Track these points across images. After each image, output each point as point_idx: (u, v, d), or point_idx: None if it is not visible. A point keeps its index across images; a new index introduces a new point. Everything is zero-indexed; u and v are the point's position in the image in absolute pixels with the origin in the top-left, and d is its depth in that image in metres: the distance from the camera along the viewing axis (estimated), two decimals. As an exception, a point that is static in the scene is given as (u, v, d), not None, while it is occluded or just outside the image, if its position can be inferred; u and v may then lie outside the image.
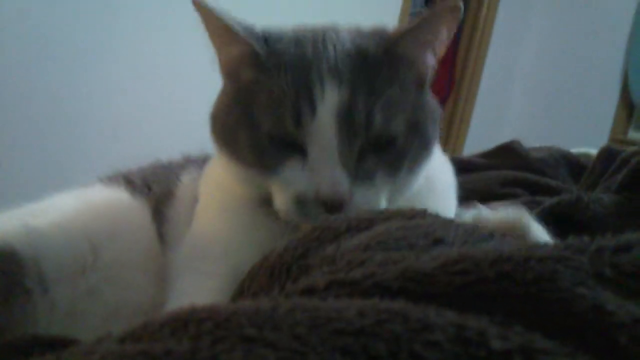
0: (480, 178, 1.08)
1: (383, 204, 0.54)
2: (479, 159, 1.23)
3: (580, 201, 0.59)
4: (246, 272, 0.44)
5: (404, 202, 0.56)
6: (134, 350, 0.23)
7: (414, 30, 0.54)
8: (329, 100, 0.51)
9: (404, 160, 0.54)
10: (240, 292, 0.41)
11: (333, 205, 0.50)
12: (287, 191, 0.52)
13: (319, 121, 0.50)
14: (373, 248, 0.33)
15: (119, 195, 0.65)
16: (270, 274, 0.37)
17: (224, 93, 0.59)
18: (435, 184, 0.61)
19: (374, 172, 0.53)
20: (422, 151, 0.56)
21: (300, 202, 0.51)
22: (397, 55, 0.55)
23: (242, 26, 0.54)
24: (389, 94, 0.52)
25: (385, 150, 0.53)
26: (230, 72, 0.57)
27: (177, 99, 2.16)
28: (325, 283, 0.29)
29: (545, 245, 0.30)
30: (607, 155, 0.93)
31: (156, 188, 0.67)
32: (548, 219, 0.65)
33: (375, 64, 0.53)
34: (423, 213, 0.44)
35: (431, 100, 0.59)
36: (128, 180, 0.68)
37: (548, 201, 0.68)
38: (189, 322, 0.25)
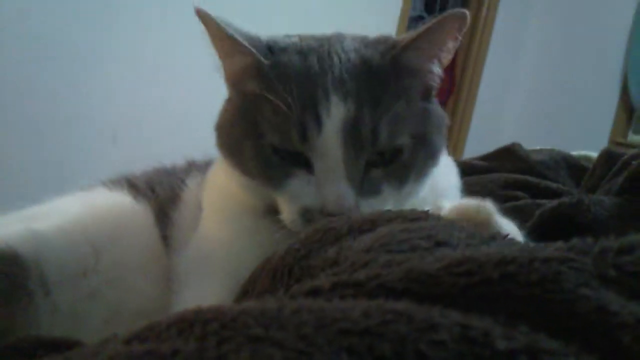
0: (481, 181, 1.08)
1: None
2: (479, 162, 1.23)
3: (581, 203, 0.59)
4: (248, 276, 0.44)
5: (408, 206, 0.56)
6: (140, 350, 0.23)
7: (420, 39, 0.54)
8: (335, 115, 0.50)
9: (410, 172, 0.54)
10: (243, 294, 0.41)
11: None
12: (293, 204, 0.52)
13: (325, 136, 0.50)
14: (376, 250, 0.33)
15: (122, 199, 0.66)
16: (272, 276, 0.37)
17: (229, 103, 0.59)
18: (438, 185, 0.61)
19: (380, 185, 0.53)
20: (428, 161, 0.56)
21: (306, 214, 0.51)
22: (402, 65, 0.54)
23: (245, 37, 0.54)
24: (394, 107, 0.52)
25: (391, 163, 0.53)
26: (235, 83, 0.58)
27: (177, 100, 2.16)
28: (330, 284, 0.29)
29: (549, 246, 0.30)
30: (608, 158, 0.93)
31: (160, 191, 0.68)
32: (549, 221, 0.65)
33: (380, 75, 0.53)
34: (425, 215, 0.44)
35: (437, 108, 0.59)
36: (131, 184, 0.68)
37: (549, 204, 0.68)
38: (195, 322, 0.25)
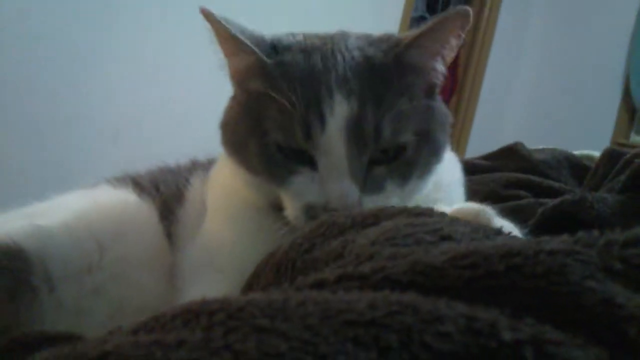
0: (483, 180, 1.08)
1: None
2: (481, 161, 1.23)
3: (585, 200, 0.59)
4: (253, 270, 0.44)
5: (412, 203, 0.56)
6: (147, 340, 0.23)
7: (423, 37, 0.54)
8: (338, 113, 0.51)
9: (413, 169, 0.54)
10: (248, 288, 0.41)
11: None
12: (297, 201, 0.53)
13: (329, 134, 0.51)
14: (381, 243, 0.33)
15: (126, 196, 0.66)
16: (276, 270, 0.37)
17: (234, 101, 0.60)
18: (442, 181, 0.61)
19: (384, 182, 0.53)
20: (431, 158, 0.56)
21: (310, 211, 0.52)
22: (406, 63, 0.55)
23: (249, 36, 0.54)
24: (398, 105, 0.52)
25: (394, 160, 0.53)
26: (239, 81, 0.58)
27: (177, 100, 2.16)
28: (335, 277, 0.29)
29: (555, 239, 0.30)
30: (610, 156, 0.93)
31: (165, 189, 0.68)
32: (551, 219, 0.65)
33: (384, 73, 0.53)
34: (430, 211, 0.44)
35: (441, 106, 0.59)
36: (135, 182, 0.69)
37: (552, 201, 0.68)
38: (201, 313, 0.25)
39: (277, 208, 0.55)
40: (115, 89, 2.08)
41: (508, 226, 0.52)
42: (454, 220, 0.39)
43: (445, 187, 0.62)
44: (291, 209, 0.53)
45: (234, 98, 0.60)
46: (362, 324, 0.24)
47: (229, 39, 0.54)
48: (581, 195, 0.61)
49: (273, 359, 0.22)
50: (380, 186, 0.53)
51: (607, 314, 0.26)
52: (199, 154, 0.77)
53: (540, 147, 1.30)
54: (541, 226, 0.64)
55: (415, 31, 0.55)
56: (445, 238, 0.35)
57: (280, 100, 0.52)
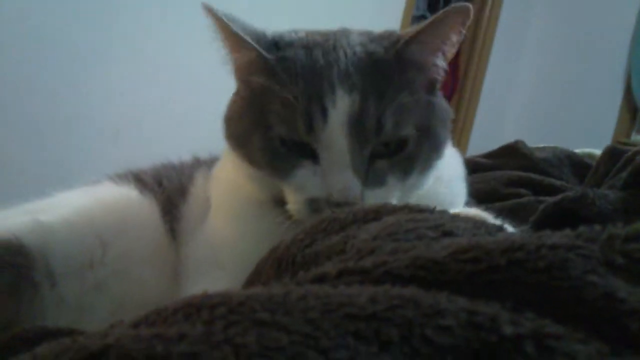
0: (485, 178, 1.08)
1: None
2: (482, 160, 1.23)
3: (586, 197, 0.59)
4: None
5: (414, 198, 0.56)
6: (148, 333, 0.23)
7: (423, 33, 0.55)
8: (340, 107, 0.51)
9: (414, 164, 0.55)
10: (249, 284, 0.41)
11: None
12: (300, 194, 0.53)
13: (331, 127, 0.51)
14: (383, 238, 0.33)
15: (128, 192, 0.66)
16: (277, 266, 0.37)
17: (237, 96, 0.60)
18: (444, 176, 0.62)
19: (385, 176, 0.54)
20: (432, 154, 0.57)
21: (313, 204, 0.52)
22: (407, 59, 0.55)
23: (250, 33, 0.55)
24: (399, 99, 0.53)
25: (396, 154, 0.54)
26: (242, 76, 0.58)
27: (177, 100, 2.17)
28: (336, 271, 0.29)
29: (557, 233, 0.30)
30: (612, 154, 0.93)
31: (167, 185, 0.68)
32: (553, 216, 0.65)
33: (385, 68, 0.54)
34: (432, 209, 0.44)
35: (442, 102, 0.60)
36: (137, 179, 0.69)
37: (553, 199, 0.68)
38: (202, 307, 0.25)
39: (279, 202, 0.56)
40: (115, 89, 2.08)
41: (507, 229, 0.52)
42: (455, 216, 0.39)
43: (446, 182, 0.63)
44: (294, 202, 0.54)
45: (237, 93, 0.60)
46: (363, 318, 0.24)
47: (231, 35, 0.55)
48: (582, 192, 0.61)
49: (274, 352, 0.22)
50: (381, 180, 0.53)
51: (609, 308, 0.26)
52: (200, 154, 0.78)
53: (542, 145, 1.30)
54: (542, 223, 0.64)
55: (416, 27, 0.55)
56: (447, 234, 0.35)
57: (282, 94, 0.52)
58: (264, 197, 0.58)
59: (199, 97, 2.10)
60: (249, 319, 0.24)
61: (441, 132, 0.58)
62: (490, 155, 1.25)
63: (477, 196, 0.70)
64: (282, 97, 0.52)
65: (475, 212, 0.55)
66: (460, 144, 3.11)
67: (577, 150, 1.25)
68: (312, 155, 0.53)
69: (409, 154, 0.54)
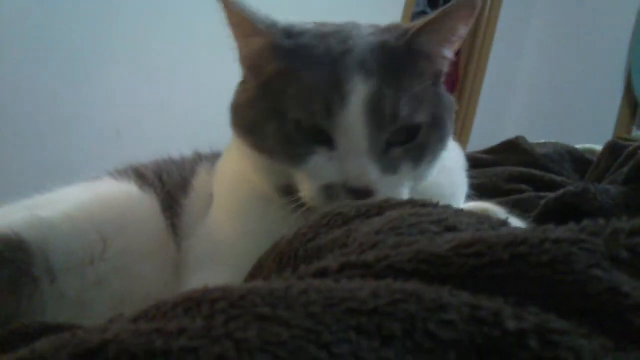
0: (486, 174, 1.08)
1: (406, 195, 0.55)
2: (483, 155, 1.23)
3: (587, 192, 0.59)
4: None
5: (421, 189, 0.57)
6: (148, 328, 0.23)
7: (433, 24, 0.56)
8: (359, 92, 0.52)
9: (425, 153, 0.56)
10: (251, 279, 0.41)
11: (361, 194, 0.51)
12: (315, 181, 0.53)
13: (349, 112, 0.51)
14: (386, 232, 0.33)
15: (128, 188, 0.66)
16: (279, 260, 0.37)
17: (246, 85, 0.60)
18: (446, 166, 0.62)
19: (399, 163, 0.54)
20: (440, 144, 0.58)
21: (328, 191, 0.52)
22: (416, 49, 0.56)
23: (265, 19, 0.55)
24: (413, 87, 0.54)
25: (408, 143, 0.55)
26: (252, 65, 0.58)
27: (178, 99, 2.16)
28: (338, 265, 0.29)
29: (560, 228, 0.29)
30: (613, 150, 0.93)
31: (168, 180, 0.68)
32: (554, 211, 0.65)
33: (398, 57, 0.55)
34: (435, 204, 0.44)
35: (446, 93, 0.61)
36: (138, 174, 0.69)
37: (554, 194, 0.68)
38: (202, 301, 0.25)
39: (286, 192, 0.55)
40: (115, 89, 2.08)
41: (518, 224, 0.53)
42: (459, 211, 0.39)
43: (449, 173, 0.63)
44: (308, 190, 0.53)
45: (244, 82, 0.60)
46: (365, 313, 0.24)
47: (243, 21, 0.55)
48: (584, 187, 0.60)
49: (275, 347, 0.22)
50: (395, 167, 0.54)
51: (613, 303, 0.26)
52: (201, 149, 0.77)
53: (542, 141, 1.29)
54: (544, 218, 0.64)
55: (425, 19, 0.56)
56: (451, 229, 0.35)
57: (300, 80, 0.53)
58: (270, 188, 0.58)
59: (199, 96, 2.10)
60: (250, 313, 0.24)
61: (448, 123, 0.59)
62: (491, 151, 1.25)
63: (479, 192, 0.70)
64: (299, 82, 0.53)
65: (488, 205, 0.56)
66: (461, 140, 3.10)
67: (578, 146, 1.25)
68: (328, 141, 0.53)
69: (420, 143, 0.55)
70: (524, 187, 1.02)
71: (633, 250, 0.27)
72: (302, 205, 0.54)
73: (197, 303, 0.25)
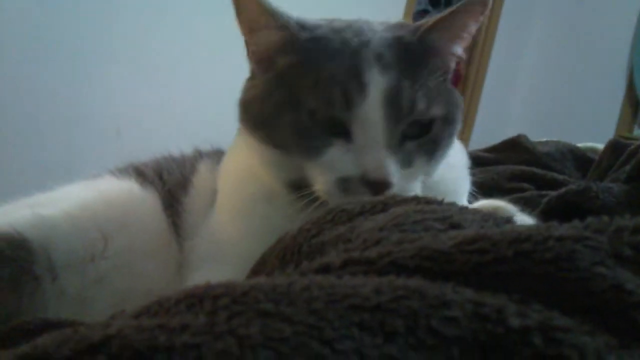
0: (487, 172, 1.08)
1: (418, 189, 0.55)
2: (485, 154, 1.23)
3: (589, 190, 0.59)
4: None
5: (428, 184, 0.57)
6: (151, 323, 0.23)
7: (445, 21, 0.56)
8: (378, 84, 0.52)
9: (437, 147, 0.56)
10: (253, 275, 0.41)
11: (379, 187, 0.51)
12: (330, 173, 0.53)
13: (368, 103, 0.52)
14: (389, 229, 0.33)
15: (129, 186, 0.65)
16: (282, 256, 0.37)
17: (255, 80, 0.59)
18: (449, 160, 0.62)
19: (413, 157, 0.54)
20: (450, 139, 0.58)
21: (344, 184, 0.52)
22: (428, 45, 0.56)
23: (282, 12, 0.55)
24: (427, 81, 0.54)
25: (422, 137, 0.55)
26: (264, 58, 0.58)
27: (178, 99, 2.16)
28: (340, 261, 0.29)
29: (564, 225, 0.29)
30: (614, 148, 0.93)
31: (168, 178, 0.68)
32: (556, 209, 0.64)
33: (412, 52, 0.55)
34: (440, 201, 0.44)
35: (455, 90, 0.61)
36: (138, 172, 0.68)
37: (556, 192, 0.67)
38: (204, 297, 0.25)
39: (296, 188, 0.55)
40: (115, 89, 2.08)
41: (528, 222, 0.53)
42: (464, 208, 0.39)
43: (452, 169, 0.63)
44: (323, 183, 0.53)
45: (253, 77, 0.60)
46: (367, 309, 0.24)
47: (260, 13, 0.54)
48: (586, 185, 0.60)
49: (277, 343, 0.22)
50: (410, 161, 0.54)
51: (617, 300, 0.26)
52: (201, 146, 0.77)
53: (544, 139, 1.29)
54: (546, 216, 0.64)
55: (437, 16, 0.57)
56: (455, 226, 0.34)
57: (318, 71, 0.53)
58: (280, 184, 0.57)
59: (199, 96, 2.10)
60: (253, 309, 0.24)
61: (458, 119, 0.59)
62: (492, 149, 1.25)
63: (480, 190, 0.70)
64: (317, 73, 0.53)
65: (500, 203, 0.56)
66: (463, 138, 3.08)
67: (579, 145, 1.25)
68: (344, 133, 0.53)
69: (433, 137, 0.55)
70: (525, 185, 1.02)
71: (637, 248, 0.27)
72: (314, 200, 0.53)
73: (199, 299, 0.25)
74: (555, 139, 1.30)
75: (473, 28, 0.58)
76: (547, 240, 0.27)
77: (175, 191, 0.66)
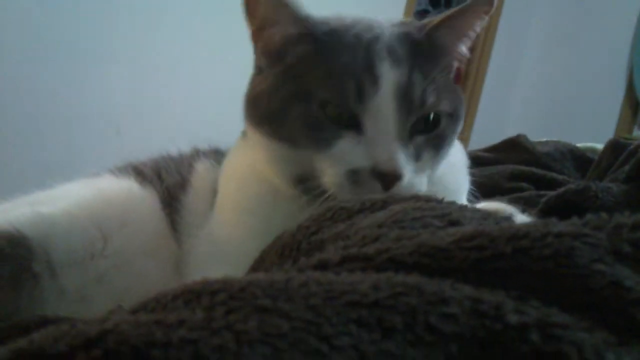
0: (487, 172, 1.08)
1: (425, 184, 0.56)
2: (485, 154, 1.23)
3: (589, 189, 0.58)
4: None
5: (431, 180, 0.58)
6: (148, 319, 0.23)
7: (452, 19, 0.57)
8: (390, 78, 0.53)
9: (444, 142, 0.57)
10: (253, 271, 0.41)
11: (389, 179, 0.51)
12: (340, 166, 0.53)
13: (381, 97, 0.52)
14: (388, 226, 0.33)
15: (128, 185, 0.65)
16: (281, 253, 0.37)
17: (262, 75, 0.59)
18: (450, 158, 0.62)
19: (422, 151, 0.55)
20: (454, 136, 0.59)
21: (353, 177, 0.52)
22: (435, 42, 0.57)
23: (297, 6, 0.55)
24: (436, 77, 0.55)
25: (430, 132, 0.56)
26: (274, 51, 0.58)
27: (177, 98, 2.16)
28: (338, 258, 0.29)
29: (563, 222, 0.29)
30: (614, 148, 0.93)
31: (167, 177, 0.68)
32: (556, 207, 0.64)
33: (421, 48, 0.56)
34: (440, 199, 0.44)
35: (458, 87, 0.62)
36: (137, 171, 0.68)
37: (555, 191, 0.67)
38: (202, 293, 0.25)
39: (302, 182, 0.55)
40: (115, 88, 2.08)
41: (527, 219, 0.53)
42: (463, 206, 0.39)
43: (452, 168, 0.64)
44: (333, 175, 0.53)
45: (259, 73, 0.60)
46: (365, 305, 0.24)
47: (277, 8, 0.55)
48: (585, 185, 0.60)
49: (275, 339, 0.22)
50: (418, 154, 0.55)
51: (616, 297, 0.26)
52: (199, 145, 0.77)
53: (544, 139, 1.29)
54: (544, 216, 0.64)
55: (443, 14, 0.58)
56: (454, 223, 0.34)
57: (331, 62, 0.53)
58: (285, 179, 0.57)
59: (198, 96, 2.10)
60: (250, 305, 0.24)
61: (462, 115, 0.60)
62: (492, 149, 1.25)
63: (480, 190, 0.70)
64: (330, 65, 0.53)
65: (501, 205, 0.57)
66: (462, 138, 3.08)
67: (579, 145, 1.25)
68: (355, 125, 0.53)
69: (441, 132, 0.56)
70: (525, 185, 1.02)
71: (636, 245, 0.27)
72: (321, 193, 0.54)
73: (197, 295, 0.25)
74: (555, 139, 1.30)
75: (478, 27, 0.58)
76: (545, 237, 0.27)
77: (173, 190, 0.66)
